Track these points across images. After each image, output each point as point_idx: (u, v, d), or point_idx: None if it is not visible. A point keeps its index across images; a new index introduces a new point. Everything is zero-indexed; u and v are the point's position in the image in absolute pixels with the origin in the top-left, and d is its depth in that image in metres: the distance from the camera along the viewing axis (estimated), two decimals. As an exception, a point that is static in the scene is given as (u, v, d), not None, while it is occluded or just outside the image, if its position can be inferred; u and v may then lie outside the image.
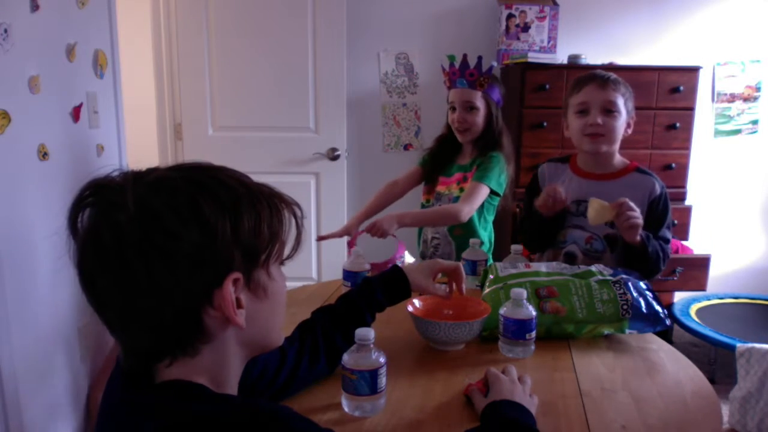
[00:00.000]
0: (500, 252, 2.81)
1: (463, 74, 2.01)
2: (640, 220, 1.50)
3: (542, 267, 1.49)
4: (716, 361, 2.88)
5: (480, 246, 1.82)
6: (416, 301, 1.35)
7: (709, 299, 3.16)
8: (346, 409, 1.04)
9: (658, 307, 1.36)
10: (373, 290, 1.22)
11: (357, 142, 3.30)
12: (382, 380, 1.03)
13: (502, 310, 1.28)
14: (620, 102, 1.65)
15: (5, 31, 1.57)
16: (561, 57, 2.91)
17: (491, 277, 1.49)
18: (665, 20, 3.15)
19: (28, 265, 1.69)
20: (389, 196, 2.20)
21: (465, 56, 2.01)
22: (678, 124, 2.78)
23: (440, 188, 2.12)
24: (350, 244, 1.91)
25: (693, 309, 3.04)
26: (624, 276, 1.41)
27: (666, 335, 2.55)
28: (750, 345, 2.28)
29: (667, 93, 2.77)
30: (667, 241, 1.64)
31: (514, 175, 2.13)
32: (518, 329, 1.25)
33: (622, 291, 1.36)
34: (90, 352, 2.04)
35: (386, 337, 1.22)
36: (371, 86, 3.26)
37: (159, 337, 0.67)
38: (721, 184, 3.30)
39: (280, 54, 3.02)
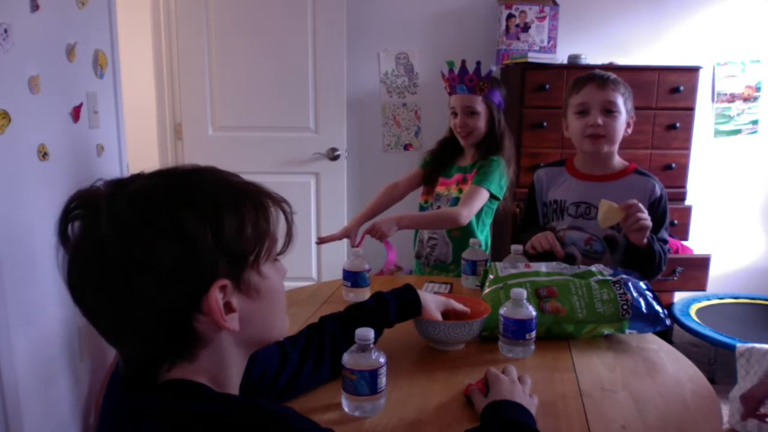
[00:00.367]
0: (500, 252, 2.81)
1: (463, 80, 2.02)
2: (649, 223, 1.49)
3: (542, 267, 1.49)
4: (716, 361, 2.88)
5: (479, 246, 1.82)
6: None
7: (709, 299, 3.16)
8: (346, 409, 1.04)
9: (658, 307, 1.36)
10: (386, 308, 1.21)
11: (357, 142, 3.30)
12: (382, 380, 1.03)
13: (502, 310, 1.27)
14: (620, 102, 1.65)
15: (5, 31, 1.57)
16: (561, 57, 2.91)
17: (491, 277, 1.49)
18: (665, 20, 3.15)
19: (28, 265, 1.69)
20: (389, 198, 2.20)
21: (464, 62, 2.02)
22: (678, 124, 2.78)
23: (439, 189, 2.12)
24: (356, 247, 1.90)
25: (693, 309, 3.04)
26: (624, 276, 1.41)
27: (666, 335, 2.55)
28: (750, 345, 2.28)
29: (667, 93, 2.77)
30: (666, 241, 1.65)
31: (515, 175, 2.13)
32: (518, 329, 1.25)
33: (622, 291, 1.36)
34: (90, 352, 2.04)
35: (386, 337, 1.22)
36: (371, 86, 3.27)
37: (152, 346, 0.67)
38: (721, 184, 3.30)
39: (280, 54, 3.02)
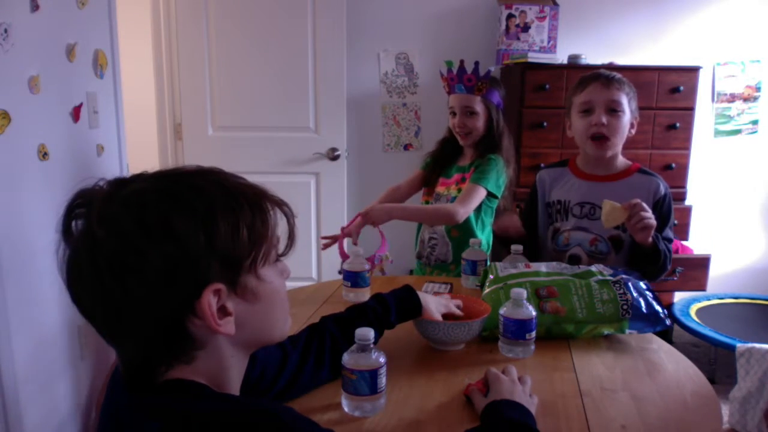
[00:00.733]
0: (500, 252, 2.81)
1: (461, 80, 2.01)
2: (654, 222, 1.48)
3: (542, 267, 1.49)
4: (716, 361, 2.88)
5: (480, 246, 1.82)
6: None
7: (709, 299, 3.16)
8: (346, 409, 1.04)
9: (658, 307, 1.36)
10: (387, 310, 1.21)
11: (357, 142, 3.30)
12: (382, 380, 1.03)
13: (502, 310, 1.27)
14: (624, 101, 1.64)
15: (5, 31, 1.57)
16: (561, 57, 2.90)
17: (491, 277, 1.49)
18: (665, 20, 3.15)
19: (28, 265, 1.69)
20: (391, 201, 2.20)
21: (462, 62, 2.02)
22: (678, 124, 2.78)
23: (440, 189, 2.13)
24: (342, 234, 1.90)
25: (693, 309, 3.04)
26: (624, 276, 1.41)
27: (666, 335, 2.55)
28: (750, 345, 2.28)
29: (667, 93, 2.77)
30: (671, 240, 1.64)
31: (515, 175, 2.13)
32: (518, 329, 1.25)
33: (622, 291, 1.36)
34: (90, 352, 2.04)
35: (386, 337, 1.22)
36: (371, 86, 3.26)
37: (149, 348, 0.67)
38: (721, 184, 3.30)
39: (280, 54, 3.02)
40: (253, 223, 0.69)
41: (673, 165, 2.80)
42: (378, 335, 1.18)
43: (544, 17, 3.00)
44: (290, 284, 1.84)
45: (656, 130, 2.79)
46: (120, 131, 2.27)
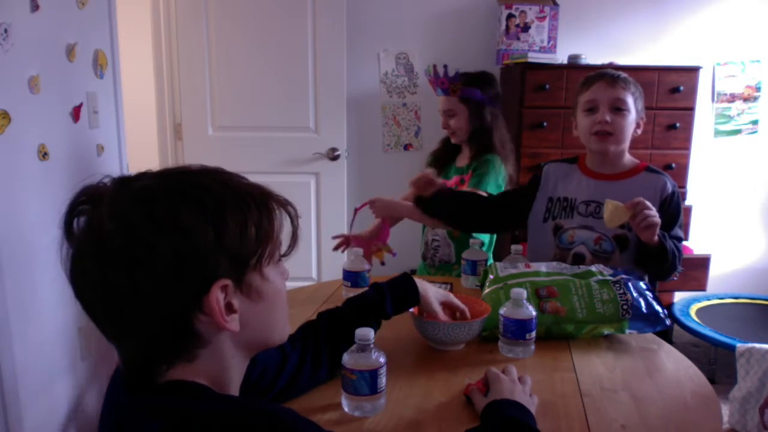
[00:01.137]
0: (500, 252, 2.81)
1: (438, 84, 2.09)
2: (658, 219, 1.46)
3: (542, 267, 1.48)
4: (716, 361, 2.88)
5: (480, 246, 1.82)
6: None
7: (709, 299, 3.16)
8: (346, 409, 1.04)
9: (658, 307, 1.36)
10: (382, 300, 1.20)
11: (357, 142, 3.30)
12: (382, 380, 1.03)
13: (502, 310, 1.27)
14: (630, 100, 1.63)
15: (5, 31, 1.57)
16: (561, 57, 2.90)
17: (491, 277, 1.49)
18: (665, 20, 3.15)
19: (28, 265, 1.69)
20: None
21: (434, 67, 2.09)
22: (678, 124, 2.78)
23: None
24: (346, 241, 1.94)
25: (693, 309, 3.04)
26: (624, 276, 1.41)
27: (666, 335, 2.55)
28: (750, 345, 2.28)
29: (667, 93, 2.77)
30: (680, 239, 1.62)
31: (515, 173, 2.13)
32: (518, 329, 1.25)
33: (622, 291, 1.36)
34: (91, 352, 2.04)
35: (386, 337, 1.22)
36: (371, 86, 3.26)
37: (152, 345, 0.67)
38: (721, 184, 3.30)
39: (280, 54, 3.02)
40: (261, 222, 0.70)
41: (673, 165, 2.80)
42: (376, 326, 1.18)
43: (544, 17, 3.00)
44: (290, 284, 1.85)
45: (656, 130, 2.79)
46: (120, 131, 2.27)
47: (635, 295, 1.35)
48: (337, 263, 2.12)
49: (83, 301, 0.67)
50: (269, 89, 3.05)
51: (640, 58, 3.11)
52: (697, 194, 3.19)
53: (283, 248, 0.75)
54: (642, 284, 1.41)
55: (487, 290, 1.45)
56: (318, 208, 3.16)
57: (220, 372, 0.72)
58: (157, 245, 0.63)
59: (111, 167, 2.20)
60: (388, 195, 2.43)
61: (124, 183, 0.67)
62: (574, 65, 2.82)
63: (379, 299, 1.20)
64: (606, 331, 1.35)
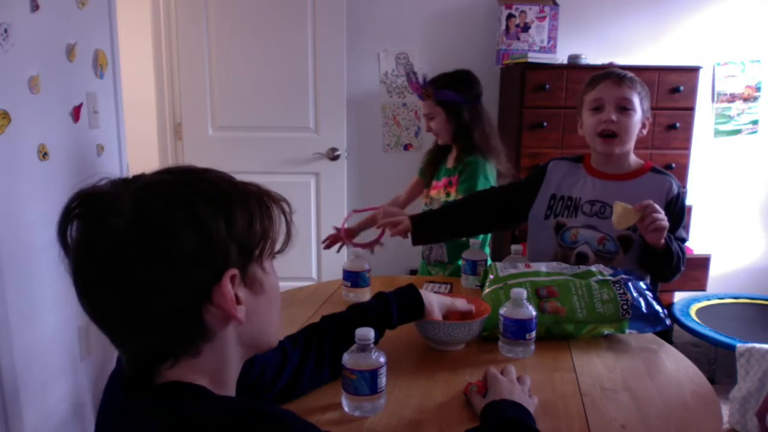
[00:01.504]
0: (500, 252, 2.81)
1: (413, 90, 2.16)
2: (666, 223, 1.45)
3: (542, 267, 1.48)
4: (716, 361, 2.88)
5: (479, 246, 1.82)
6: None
7: (709, 299, 3.16)
8: (346, 409, 1.04)
9: (658, 307, 1.36)
10: (388, 310, 1.20)
11: (357, 142, 3.30)
12: (382, 380, 1.03)
13: (502, 310, 1.27)
14: (636, 100, 1.62)
15: (5, 31, 1.57)
16: (561, 57, 2.90)
17: (491, 277, 1.48)
18: (665, 20, 3.15)
19: (28, 265, 1.69)
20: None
21: (407, 74, 2.17)
22: (678, 124, 2.78)
23: (432, 192, 2.19)
24: (339, 230, 1.97)
25: (693, 309, 3.04)
26: (624, 276, 1.41)
27: (666, 335, 2.55)
28: (750, 345, 2.28)
29: (667, 93, 2.77)
30: (684, 241, 1.62)
31: (509, 165, 2.15)
32: (518, 329, 1.25)
33: (622, 291, 1.35)
34: (90, 352, 2.04)
35: (386, 337, 1.22)
36: (371, 86, 3.26)
37: (162, 339, 0.68)
38: (721, 184, 3.30)
39: (280, 54, 3.02)
40: (262, 215, 0.71)
41: (673, 165, 2.80)
42: (379, 335, 1.18)
43: (544, 17, 3.00)
44: (290, 284, 1.86)
45: (656, 130, 2.79)
46: (120, 131, 2.28)
47: (635, 295, 1.35)
48: (337, 263, 2.12)
49: (92, 303, 0.67)
50: (269, 89, 3.05)
51: (640, 58, 3.11)
52: (697, 194, 3.19)
53: (278, 245, 0.76)
54: (642, 284, 1.41)
55: (487, 290, 1.44)
56: (318, 208, 3.16)
57: (220, 369, 0.72)
58: (178, 235, 0.64)
59: (111, 167, 2.20)
60: (388, 195, 2.48)
61: (127, 182, 0.68)
62: (574, 65, 2.82)
63: (384, 309, 1.20)
64: (606, 331, 1.35)
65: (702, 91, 2.99)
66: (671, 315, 2.92)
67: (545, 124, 2.77)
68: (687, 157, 2.84)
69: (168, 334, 0.67)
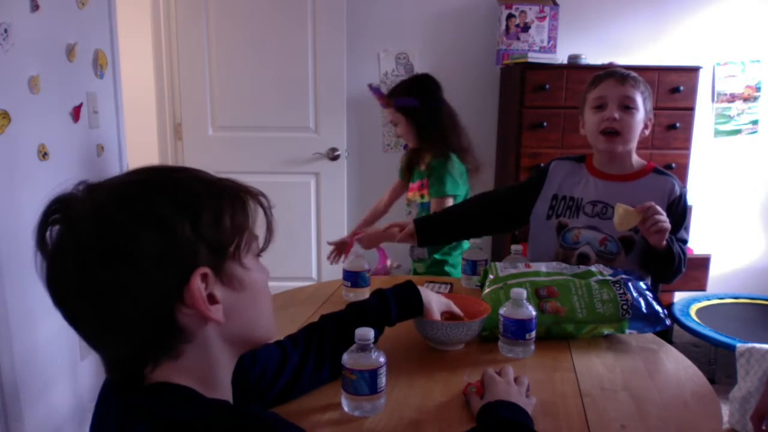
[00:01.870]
0: (500, 252, 2.81)
1: (377, 100, 2.27)
2: (668, 225, 1.45)
3: (542, 267, 1.48)
4: (716, 361, 2.88)
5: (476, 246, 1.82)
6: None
7: (709, 299, 3.16)
8: (346, 409, 1.04)
9: (658, 307, 1.36)
10: (386, 308, 1.20)
11: (357, 142, 3.30)
12: (382, 380, 1.03)
13: (502, 310, 1.27)
14: (639, 99, 1.62)
15: (5, 31, 1.57)
16: (561, 57, 2.90)
17: (491, 277, 1.48)
18: (665, 20, 3.15)
19: (28, 265, 1.69)
20: (375, 213, 2.52)
21: (369, 86, 2.28)
22: (678, 124, 2.78)
23: (409, 194, 2.31)
24: (348, 246, 2.00)
25: (693, 309, 3.04)
26: (624, 276, 1.41)
27: (666, 335, 2.55)
28: (750, 345, 2.28)
29: (667, 93, 2.77)
30: (686, 242, 1.61)
31: (475, 154, 2.25)
32: (518, 329, 1.25)
33: (622, 291, 1.35)
34: (90, 353, 2.04)
35: (386, 337, 1.22)
36: (371, 86, 3.26)
37: (136, 343, 0.67)
38: (721, 184, 3.30)
39: (280, 54, 3.02)
40: (234, 211, 0.70)
41: (673, 165, 2.80)
42: (378, 333, 1.18)
43: (544, 17, 3.00)
44: (290, 284, 1.86)
45: (656, 130, 2.79)
46: (120, 131, 2.28)
47: (635, 295, 1.35)
48: (337, 263, 2.14)
49: (64, 306, 0.67)
50: (269, 89, 3.05)
51: (640, 58, 3.11)
52: (697, 194, 3.19)
53: (260, 242, 0.75)
54: (642, 284, 1.41)
55: (487, 290, 1.44)
56: (318, 208, 3.16)
57: (208, 369, 0.71)
58: (136, 236, 0.63)
59: (111, 167, 2.20)
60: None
61: (96, 185, 0.68)
62: (574, 65, 2.82)
63: (383, 307, 1.20)
64: (606, 331, 1.35)
65: (702, 91, 2.99)
66: (671, 315, 2.92)
67: (545, 124, 2.77)
68: (687, 157, 2.84)
69: (141, 337, 0.66)
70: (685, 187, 2.83)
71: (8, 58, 1.59)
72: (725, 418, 2.30)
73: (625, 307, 1.33)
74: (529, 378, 1.11)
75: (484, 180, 3.30)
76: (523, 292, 1.27)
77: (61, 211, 0.66)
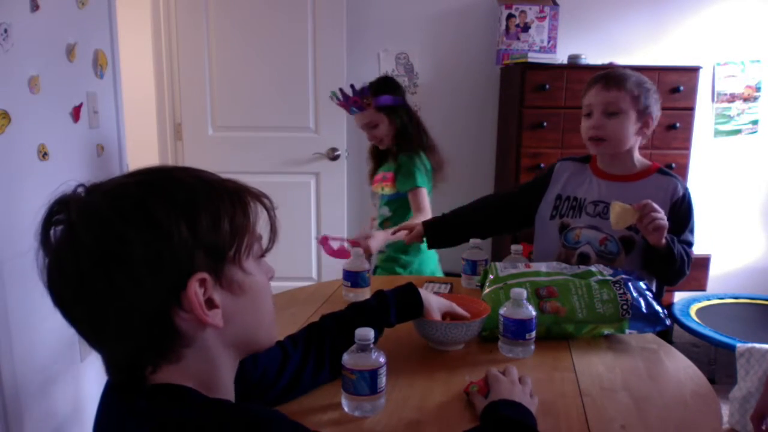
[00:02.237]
0: (500, 252, 2.81)
1: (350, 103, 2.21)
2: (665, 222, 1.45)
3: (542, 267, 1.48)
4: (716, 361, 2.88)
5: (474, 246, 1.82)
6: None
7: (709, 299, 3.16)
8: (346, 409, 1.04)
9: (658, 307, 1.36)
10: (387, 309, 1.20)
11: (357, 142, 3.29)
12: (382, 380, 1.03)
13: (502, 310, 1.27)
14: (625, 102, 1.60)
15: (5, 31, 1.57)
16: (561, 57, 2.90)
17: (491, 277, 1.48)
18: (665, 20, 3.15)
19: (29, 266, 1.69)
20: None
21: (341, 90, 2.21)
22: (678, 124, 2.78)
23: (373, 187, 2.34)
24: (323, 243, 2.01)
25: (693, 309, 3.04)
26: (624, 276, 1.41)
27: (666, 335, 2.54)
28: (750, 345, 2.28)
29: (667, 93, 2.77)
30: (690, 244, 1.60)
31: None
32: (518, 329, 1.25)
33: (622, 291, 1.35)
34: (90, 353, 2.04)
35: (386, 337, 1.22)
36: (371, 86, 3.26)
37: (134, 346, 0.66)
38: (721, 184, 3.30)
39: (280, 54, 3.02)
40: (234, 213, 0.69)
41: (673, 165, 2.80)
42: (378, 334, 1.18)
43: (544, 17, 3.00)
44: (290, 284, 1.86)
45: (656, 130, 2.78)
46: (120, 131, 2.27)
47: (635, 295, 1.35)
48: (337, 263, 2.12)
49: (63, 307, 0.67)
50: (269, 89, 3.05)
51: (640, 58, 3.11)
52: (697, 194, 3.16)
53: (264, 243, 0.75)
54: (642, 284, 1.41)
55: (487, 290, 1.44)
56: (318, 208, 3.16)
57: (209, 373, 0.71)
58: (129, 239, 0.62)
59: (111, 167, 2.20)
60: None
61: (96, 186, 0.67)
62: (574, 65, 2.82)
63: (383, 308, 1.20)
64: (606, 331, 1.35)
65: (702, 91, 2.99)
66: (671, 315, 2.92)
67: (545, 124, 2.77)
68: (687, 157, 2.84)
69: (139, 341, 0.66)
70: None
71: (8, 58, 1.59)
72: (725, 418, 2.30)
73: (625, 307, 1.33)
74: (530, 378, 1.11)
75: (484, 180, 3.31)
76: (523, 292, 1.27)
77: (62, 212, 0.66)
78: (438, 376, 1.19)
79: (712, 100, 3.22)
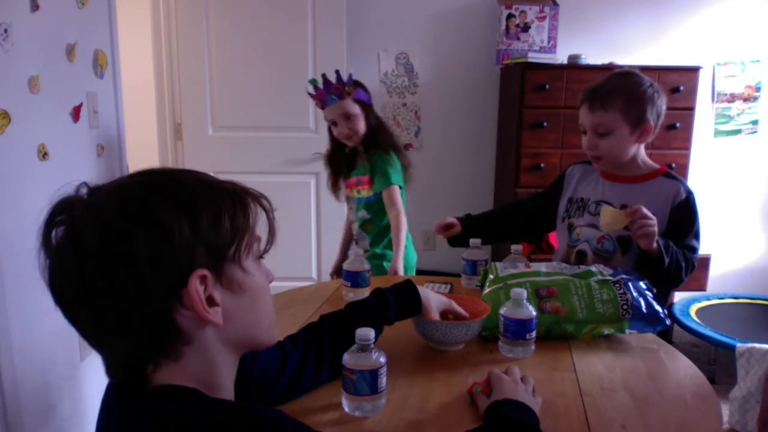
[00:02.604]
0: (500, 252, 2.81)
1: (331, 91, 2.15)
2: (655, 229, 1.45)
3: (542, 267, 1.48)
4: (716, 361, 2.88)
5: (473, 246, 1.82)
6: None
7: (709, 299, 3.16)
8: (346, 409, 1.04)
9: (658, 307, 1.36)
10: (385, 306, 1.20)
11: (357, 142, 3.30)
12: (382, 380, 1.03)
13: (502, 310, 1.27)
14: (614, 120, 1.58)
15: (5, 31, 1.57)
16: (561, 57, 2.91)
17: (491, 277, 1.48)
18: (665, 20, 3.15)
19: (28, 266, 1.69)
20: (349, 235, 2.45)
21: (324, 75, 2.16)
22: (678, 124, 2.78)
23: (347, 191, 2.30)
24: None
25: (693, 309, 3.04)
26: (624, 276, 1.41)
27: (666, 335, 2.55)
28: (750, 345, 2.28)
29: (667, 93, 2.74)
30: (693, 250, 1.58)
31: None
32: (518, 329, 1.25)
33: (622, 291, 1.35)
34: (90, 353, 2.04)
35: (386, 337, 1.22)
36: (371, 86, 3.21)
37: (135, 344, 0.66)
38: (721, 184, 3.30)
39: (280, 54, 3.02)
40: (235, 213, 0.70)
41: (673, 165, 2.80)
42: (378, 332, 1.18)
43: (544, 17, 3.00)
44: (290, 284, 1.86)
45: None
46: (120, 131, 2.27)
47: (635, 295, 1.35)
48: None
49: (64, 306, 0.67)
50: (269, 89, 3.05)
51: (640, 58, 3.11)
52: (697, 194, 3.17)
53: (262, 245, 0.75)
54: (642, 284, 1.41)
55: (487, 290, 1.44)
56: (318, 208, 3.17)
57: (209, 372, 0.71)
58: (131, 238, 0.63)
59: (111, 167, 2.20)
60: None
61: (98, 187, 0.68)
62: (574, 65, 2.82)
63: (381, 305, 1.20)
64: (606, 331, 1.35)
65: (702, 91, 2.99)
66: (671, 315, 2.92)
67: (545, 124, 2.77)
68: (687, 157, 2.84)
69: (140, 338, 0.66)
70: (686, 187, 2.85)
71: (8, 58, 1.59)
72: (725, 418, 2.30)
73: (625, 307, 1.33)
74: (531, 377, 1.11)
75: (484, 180, 3.31)
76: (523, 292, 1.27)
77: (65, 213, 0.66)
78: (438, 376, 1.19)
79: (712, 100, 3.22)
